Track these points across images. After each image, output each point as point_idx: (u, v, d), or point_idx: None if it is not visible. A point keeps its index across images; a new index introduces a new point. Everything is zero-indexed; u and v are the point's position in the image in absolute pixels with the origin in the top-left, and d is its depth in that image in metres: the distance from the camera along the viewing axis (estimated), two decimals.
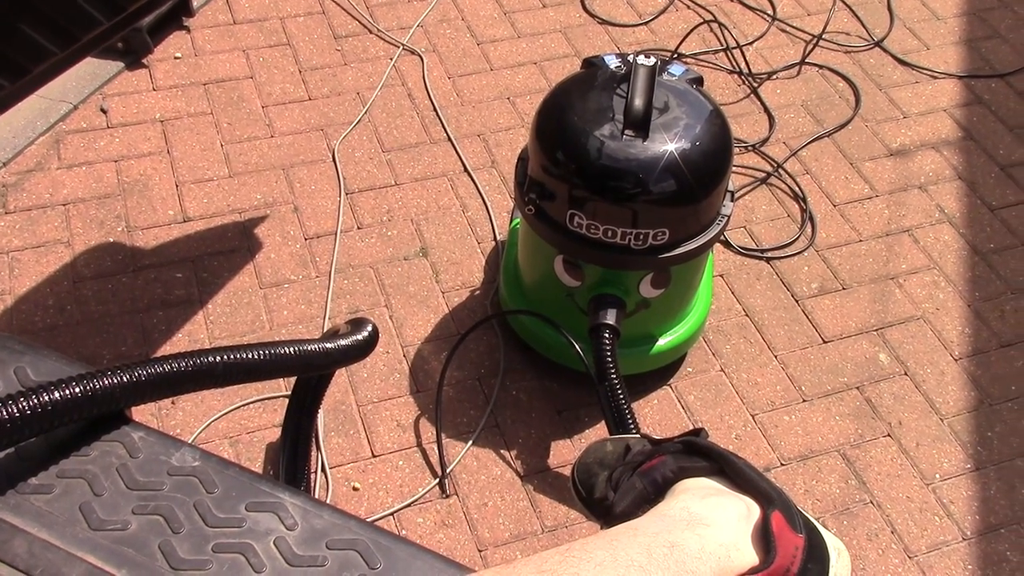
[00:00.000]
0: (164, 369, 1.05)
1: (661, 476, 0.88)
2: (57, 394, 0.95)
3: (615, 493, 0.91)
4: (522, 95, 3.01)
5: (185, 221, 2.57)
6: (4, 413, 0.88)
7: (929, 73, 3.25)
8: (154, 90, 2.90)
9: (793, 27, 3.36)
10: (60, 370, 1.08)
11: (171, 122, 2.82)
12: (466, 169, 2.78)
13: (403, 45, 3.13)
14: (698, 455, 0.88)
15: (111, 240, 2.51)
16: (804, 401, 2.35)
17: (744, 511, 0.80)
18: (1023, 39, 3.40)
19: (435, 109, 2.94)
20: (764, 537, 0.76)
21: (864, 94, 3.13)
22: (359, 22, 3.20)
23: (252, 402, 2.22)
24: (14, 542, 0.91)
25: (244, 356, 1.15)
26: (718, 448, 0.87)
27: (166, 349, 2.30)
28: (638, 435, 1.09)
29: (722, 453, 0.86)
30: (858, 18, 3.42)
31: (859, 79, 3.19)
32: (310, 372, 1.48)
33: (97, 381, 0.99)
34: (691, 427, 2.29)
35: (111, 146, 2.73)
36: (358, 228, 2.61)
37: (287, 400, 1.65)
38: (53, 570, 0.89)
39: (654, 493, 0.88)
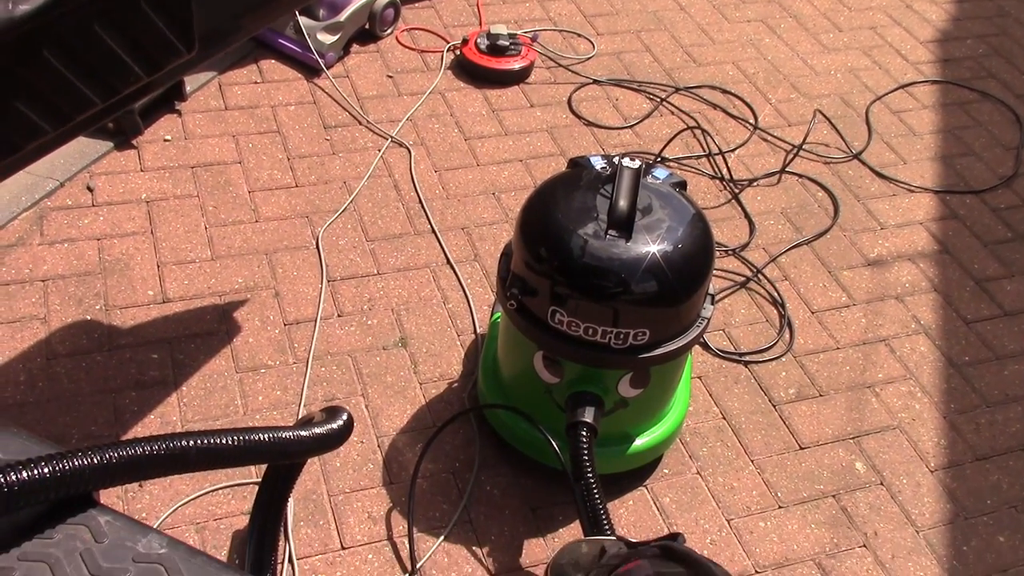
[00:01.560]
0: (136, 452, 1.03)
1: None
2: (25, 474, 0.93)
3: None
4: (507, 191, 3.05)
5: (164, 302, 2.56)
6: None
7: (906, 186, 3.32)
8: (142, 171, 2.92)
9: (774, 136, 3.43)
10: (29, 449, 1.06)
11: (157, 203, 2.83)
12: (449, 261, 2.79)
13: (391, 137, 3.17)
14: (675, 561, 0.87)
15: (88, 318, 2.49)
16: (780, 507, 2.34)
17: None
18: (997, 157, 3.49)
19: (420, 201, 2.96)
20: None
21: (843, 204, 3.19)
22: (349, 113, 3.25)
23: (221, 488, 2.18)
24: None
25: (217, 441, 1.14)
26: (695, 555, 0.86)
27: (137, 431, 2.27)
28: (614, 537, 1.07)
29: (699, 560, 0.85)
30: (837, 131, 3.50)
31: (838, 189, 3.25)
32: (283, 460, 1.46)
33: (67, 462, 0.97)
34: (666, 530, 2.27)
35: (95, 224, 2.73)
36: (338, 316, 2.60)
37: (257, 487, 1.63)
38: None
39: None
